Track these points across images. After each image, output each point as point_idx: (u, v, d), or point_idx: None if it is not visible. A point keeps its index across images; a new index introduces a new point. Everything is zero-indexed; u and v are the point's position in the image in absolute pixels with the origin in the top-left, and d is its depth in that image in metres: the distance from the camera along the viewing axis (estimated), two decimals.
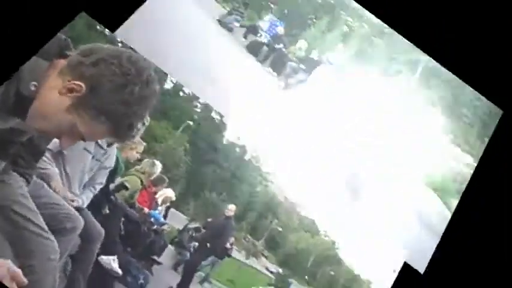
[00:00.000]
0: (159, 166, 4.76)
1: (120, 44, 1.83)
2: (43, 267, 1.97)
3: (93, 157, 2.82)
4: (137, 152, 3.80)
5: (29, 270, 1.93)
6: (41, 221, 2.10)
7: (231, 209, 7.33)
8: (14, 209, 2.06)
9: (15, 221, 2.04)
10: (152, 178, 4.73)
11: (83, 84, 1.05)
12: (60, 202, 2.57)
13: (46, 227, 2.10)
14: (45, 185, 2.51)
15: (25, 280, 1.15)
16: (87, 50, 1.09)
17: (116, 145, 3.04)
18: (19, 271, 1.17)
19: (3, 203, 1.98)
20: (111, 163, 3.02)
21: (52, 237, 2.09)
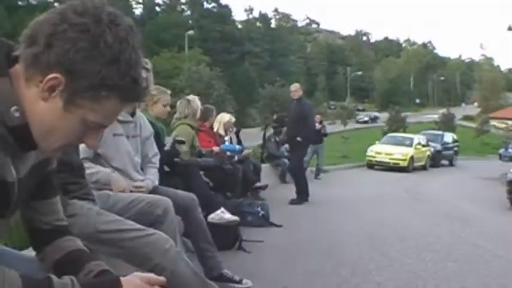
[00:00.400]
0: (196, 100, 4.60)
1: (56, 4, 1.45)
2: (168, 259, 1.92)
3: (127, 137, 2.67)
4: (164, 105, 3.65)
5: (159, 269, 1.91)
6: (131, 224, 2.06)
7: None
8: (101, 230, 2.02)
9: (111, 239, 1.99)
10: (198, 115, 4.63)
11: (56, 75, 0.88)
12: (133, 197, 2.50)
13: (140, 226, 2.08)
14: (110, 192, 2.44)
15: (162, 278, 1.05)
16: (29, 37, 0.89)
17: (139, 110, 2.86)
18: (151, 275, 1.06)
19: (88, 231, 1.92)
20: (148, 130, 2.88)
21: (152, 230, 2.07)
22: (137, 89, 0.91)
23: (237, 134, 6.61)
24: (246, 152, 6.35)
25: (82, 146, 2.36)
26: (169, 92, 3.59)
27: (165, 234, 2.05)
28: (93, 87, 0.87)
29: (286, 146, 8.46)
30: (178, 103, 4.58)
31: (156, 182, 2.80)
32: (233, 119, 6.33)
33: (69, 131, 0.91)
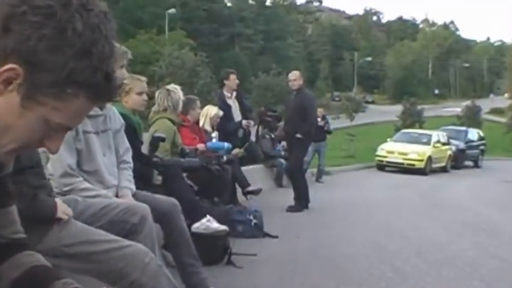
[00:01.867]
0: (177, 90, 4.61)
1: None
2: (148, 275, 1.94)
3: (97, 133, 2.68)
4: (138, 93, 3.66)
5: (137, 287, 1.92)
6: (103, 234, 2.08)
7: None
8: (66, 243, 2.03)
9: (79, 253, 2.00)
10: (180, 108, 4.64)
11: (14, 65, 0.84)
12: (106, 202, 2.52)
13: (115, 237, 2.10)
14: (78, 197, 2.45)
15: None
16: None
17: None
18: None
19: (51, 244, 1.94)
20: (118, 122, 2.88)
21: (128, 242, 2.09)
22: (110, 87, 0.89)
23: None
24: (236, 151, 6.37)
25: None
26: (143, 79, 3.59)
27: (143, 246, 2.07)
28: (58, 83, 0.84)
29: (284, 143, 8.50)
30: (157, 94, 4.59)
31: (134, 187, 2.81)
32: (221, 113, 6.35)
33: (27, 131, 0.88)
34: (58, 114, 0.87)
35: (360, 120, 33.04)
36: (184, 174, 3.82)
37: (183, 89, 4.79)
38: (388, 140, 18.63)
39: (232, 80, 6.80)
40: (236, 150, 6.39)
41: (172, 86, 4.65)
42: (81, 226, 2.10)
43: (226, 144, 5.31)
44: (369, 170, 16.99)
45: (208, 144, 5.23)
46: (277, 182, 9.93)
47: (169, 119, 4.42)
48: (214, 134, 6.01)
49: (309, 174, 11.15)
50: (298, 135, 7.04)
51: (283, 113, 9.31)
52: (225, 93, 6.84)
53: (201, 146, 5.15)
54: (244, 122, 7.01)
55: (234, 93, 6.92)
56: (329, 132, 11.85)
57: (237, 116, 6.90)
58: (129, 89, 3.41)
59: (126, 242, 2.08)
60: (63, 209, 2.05)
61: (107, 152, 2.68)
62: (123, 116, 3.18)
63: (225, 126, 6.59)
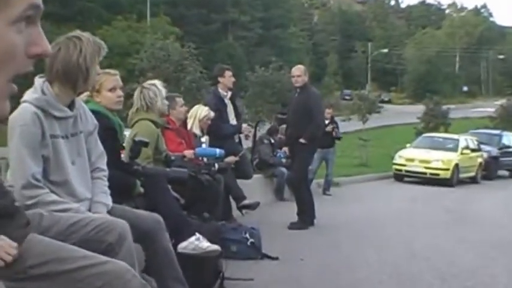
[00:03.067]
0: (155, 86, 4.62)
1: None
2: None
3: (66, 137, 2.69)
4: (109, 89, 3.67)
5: None
6: (75, 250, 2.12)
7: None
8: (31, 264, 2.04)
9: (46, 274, 2.02)
10: (159, 107, 4.64)
11: None
12: (76, 218, 2.53)
13: (89, 253, 2.16)
14: (43, 212, 2.47)
15: None
16: None
17: (80, 100, 2.88)
18: None
19: (13, 269, 1.95)
20: (90, 123, 2.89)
21: (105, 258, 2.14)
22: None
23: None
24: (230, 158, 6.40)
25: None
26: (114, 72, 3.61)
27: (123, 263, 2.10)
28: None
29: (285, 149, 8.52)
30: (137, 89, 4.62)
31: (109, 201, 2.82)
32: (212, 114, 6.37)
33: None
34: None
35: (374, 123, 33.01)
36: (170, 186, 3.84)
37: (167, 86, 4.81)
38: (408, 145, 18.67)
39: (228, 78, 6.84)
40: (230, 158, 6.41)
41: (148, 82, 4.67)
42: (48, 242, 2.12)
43: (218, 151, 5.31)
44: (385, 180, 17.02)
45: (197, 150, 5.24)
46: (278, 195, 9.95)
47: (151, 121, 4.44)
48: (204, 139, 6.02)
49: (314, 186, 11.16)
50: (302, 140, 7.06)
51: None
52: (220, 91, 6.88)
53: (188, 153, 5.17)
54: (244, 126, 7.06)
55: (229, 93, 6.96)
56: (339, 138, 11.85)
57: (232, 119, 6.94)
58: (99, 85, 3.42)
59: (104, 258, 2.11)
60: (5, 249, 2.00)
61: (76, 159, 2.68)
62: (99, 114, 3.20)
63: (219, 129, 6.63)
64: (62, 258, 2.04)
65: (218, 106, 6.74)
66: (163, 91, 4.57)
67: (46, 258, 2.03)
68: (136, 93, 4.52)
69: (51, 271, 2.01)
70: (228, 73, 6.88)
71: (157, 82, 4.65)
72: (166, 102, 4.62)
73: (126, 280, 1.98)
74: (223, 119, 6.78)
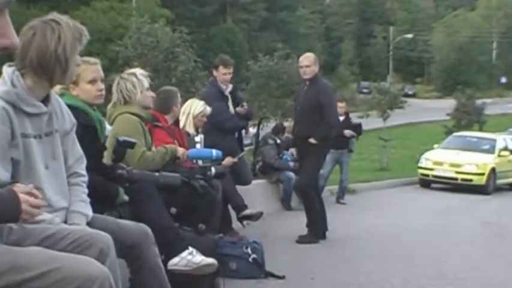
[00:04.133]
0: (138, 76, 4.62)
1: None
2: None
3: (39, 136, 2.69)
4: (89, 81, 3.68)
5: None
6: (35, 255, 2.15)
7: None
8: None
9: (5, 286, 2.04)
10: (135, 100, 4.64)
11: None
12: (51, 231, 2.53)
13: (52, 254, 2.19)
14: (13, 225, 2.47)
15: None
16: None
17: (53, 92, 2.87)
18: None
19: None
20: (68, 121, 2.88)
21: (73, 258, 2.17)
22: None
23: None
24: (227, 160, 6.41)
25: None
26: (94, 61, 3.62)
27: (95, 262, 2.13)
28: None
29: (292, 151, 8.52)
30: (117, 80, 4.63)
31: (89, 211, 2.83)
32: (209, 109, 6.38)
33: None
34: None
35: (396, 120, 32.87)
36: (160, 193, 3.85)
37: (157, 77, 4.82)
38: (436, 146, 18.65)
39: (220, 74, 6.91)
40: (227, 160, 6.42)
41: (127, 72, 4.67)
42: (4, 249, 2.14)
43: (214, 152, 5.31)
44: (409, 187, 17.00)
45: (190, 152, 5.24)
46: (284, 203, 9.96)
47: (135, 114, 4.43)
48: (199, 138, 6.04)
49: (327, 193, 11.16)
50: (312, 140, 7.07)
51: (291, 110, 9.32)
52: (219, 83, 6.94)
53: (183, 151, 5.17)
54: (238, 108, 7.06)
55: (230, 86, 7.00)
56: (359, 132, 11.71)
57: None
58: (77, 76, 3.40)
59: (72, 257, 2.14)
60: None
61: (50, 163, 2.67)
62: (76, 110, 3.20)
63: (222, 124, 6.76)
64: (19, 266, 2.05)
65: (217, 98, 6.79)
66: (145, 81, 4.55)
67: (1, 268, 2.04)
68: (114, 85, 4.53)
69: (11, 282, 2.02)
70: (222, 70, 6.91)
71: (137, 71, 4.63)
72: (151, 94, 4.62)
73: (101, 284, 2.00)
74: (224, 112, 6.85)
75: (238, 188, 6.76)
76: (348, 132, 11.03)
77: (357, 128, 11.46)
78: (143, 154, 4.25)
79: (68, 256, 2.17)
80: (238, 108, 7.00)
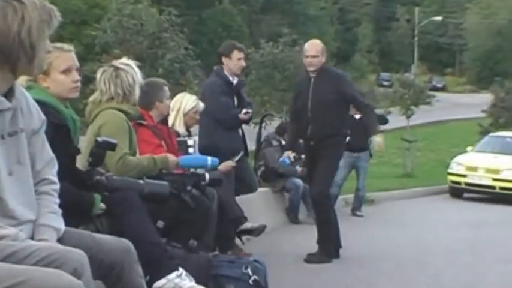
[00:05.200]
0: (131, 67, 4.63)
1: None
2: None
3: (1, 137, 2.67)
4: (63, 71, 3.67)
5: None
6: None
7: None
8: None
9: None
10: (134, 96, 4.65)
11: None
12: (15, 247, 2.52)
13: (16, 268, 2.23)
14: None
15: None
16: None
17: (19, 85, 2.85)
18: None
19: None
20: (36, 119, 2.87)
21: (39, 270, 2.19)
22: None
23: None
24: (225, 165, 6.40)
25: None
26: (70, 48, 3.62)
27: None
28: None
29: (288, 154, 8.46)
30: (98, 75, 4.63)
31: (61, 225, 2.84)
32: (201, 105, 6.39)
33: None
34: None
35: (422, 118, 32.86)
36: (145, 205, 3.85)
37: (142, 66, 4.83)
38: (469, 149, 18.62)
39: (235, 61, 6.94)
40: (226, 164, 6.42)
41: (122, 62, 4.68)
42: None
43: (210, 160, 5.28)
44: (437, 197, 16.98)
45: (182, 159, 5.20)
46: (291, 216, 9.95)
47: (121, 110, 4.44)
48: (192, 141, 6.03)
49: (340, 204, 11.14)
50: (377, 137, 7.11)
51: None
52: (226, 73, 6.96)
53: (173, 159, 5.16)
54: (246, 110, 7.08)
55: (236, 80, 7.03)
56: (387, 121, 11.61)
57: None
58: (48, 66, 3.41)
59: (37, 270, 2.15)
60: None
61: (15, 168, 2.66)
62: (46, 106, 3.20)
63: (226, 119, 6.89)
64: None
65: (226, 90, 6.84)
66: (140, 74, 4.59)
67: None
68: (104, 77, 4.52)
69: None
70: (237, 54, 6.93)
71: (131, 62, 4.66)
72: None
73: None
74: (228, 107, 6.91)
75: (236, 197, 6.76)
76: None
77: (381, 120, 11.48)
78: (123, 157, 4.22)
79: (35, 269, 2.18)
80: (241, 115, 6.99)
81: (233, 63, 6.92)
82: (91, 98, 4.58)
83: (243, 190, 7.02)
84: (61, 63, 3.50)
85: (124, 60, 4.75)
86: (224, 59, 6.97)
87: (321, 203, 7.28)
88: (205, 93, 7.04)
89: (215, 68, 7.27)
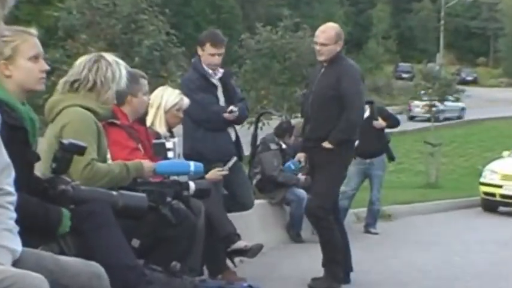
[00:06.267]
0: (119, 62, 4.64)
1: None
2: None
3: None
4: (28, 58, 3.65)
5: None
6: None
7: None
8: None
9: None
10: (103, 87, 4.65)
11: None
12: None
13: None
14: None
15: None
16: None
17: None
18: None
19: None
20: None
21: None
22: None
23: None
24: (214, 173, 6.41)
25: None
26: (34, 33, 3.64)
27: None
28: None
29: (300, 156, 8.46)
30: (79, 60, 4.64)
31: (18, 246, 2.84)
32: (186, 101, 6.39)
33: None
34: None
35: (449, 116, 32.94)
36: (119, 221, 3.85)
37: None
38: (505, 154, 18.63)
39: (206, 55, 6.91)
40: (214, 172, 6.43)
41: (114, 57, 4.68)
42: None
43: (193, 165, 5.26)
44: (467, 211, 16.99)
45: (159, 165, 5.17)
46: (292, 233, 9.96)
47: (88, 108, 4.43)
48: (172, 143, 6.03)
49: (351, 219, 11.15)
50: (327, 145, 7.08)
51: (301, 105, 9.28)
52: (204, 66, 6.94)
53: (149, 165, 5.16)
54: (233, 108, 7.03)
55: (220, 72, 7.02)
56: (393, 124, 11.70)
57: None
58: (13, 50, 3.44)
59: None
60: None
61: None
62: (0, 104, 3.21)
63: (204, 119, 6.85)
64: None
65: (202, 85, 6.83)
66: (124, 79, 4.62)
67: None
68: (83, 60, 4.55)
69: None
70: (210, 49, 6.91)
71: (123, 62, 4.72)
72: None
73: None
74: (211, 104, 6.88)
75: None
76: (378, 124, 11.03)
77: (391, 120, 11.50)
78: (91, 163, 4.21)
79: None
80: (226, 114, 6.95)
81: (204, 58, 6.94)
82: (54, 97, 4.55)
83: (234, 207, 7.00)
84: (29, 49, 3.52)
85: (117, 58, 4.77)
86: (199, 50, 6.99)
87: (321, 218, 7.24)
88: (182, 91, 7.02)
89: (193, 60, 7.30)
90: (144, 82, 5.59)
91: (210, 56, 6.90)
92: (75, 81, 4.47)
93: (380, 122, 11.16)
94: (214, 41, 6.97)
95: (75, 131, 4.19)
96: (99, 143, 4.45)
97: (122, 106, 5.36)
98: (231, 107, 6.96)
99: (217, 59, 6.95)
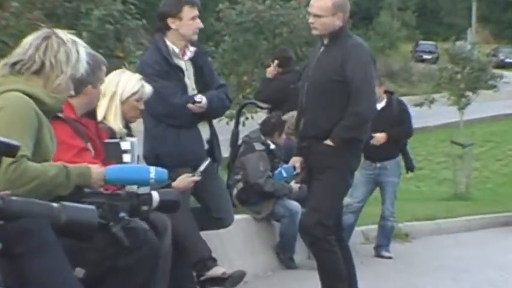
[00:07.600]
0: (78, 41, 4.66)
1: None
2: None
3: None
4: None
5: None
6: None
7: None
8: None
9: None
10: (52, 71, 4.67)
11: None
12: None
13: None
14: None
15: None
16: None
17: None
18: None
19: None
20: None
21: None
22: None
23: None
24: (182, 180, 6.42)
25: None
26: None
27: None
28: None
29: (296, 161, 8.48)
30: (30, 36, 4.66)
31: None
32: (148, 89, 6.40)
33: None
34: None
35: (483, 110, 33.04)
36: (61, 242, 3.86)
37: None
38: None
39: (187, 21, 6.87)
40: (183, 179, 6.44)
41: (72, 36, 4.71)
42: None
43: (153, 172, 5.22)
44: (504, 229, 17.11)
45: (110, 170, 5.15)
46: (284, 256, 10.00)
47: (30, 96, 4.44)
48: (128, 144, 5.99)
49: (358, 238, 11.21)
50: (329, 142, 7.13)
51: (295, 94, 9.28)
52: (169, 44, 6.91)
53: (98, 171, 5.16)
54: (198, 97, 6.97)
55: (191, 51, 7.00)
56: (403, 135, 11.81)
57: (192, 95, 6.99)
58: None
59: None
60: None
61: None
62: None
63: (164, 113, 6.88)
64: None
65: (162, 70, 6.79)
66: (83, 63, 4.64)
67: None
68: (31, 37, 4.57)
69: None
70: (190, 11, 6.88)
71: (82, 43, 4.75)
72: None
73: None
74: (173, 94, 6.83)
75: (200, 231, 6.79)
76: (376, 140, 10.87)
77: (403, 127, 11.55)
78: (19, 160, 4.17)
79: None
80: (190, 105, 6.86)
81: (185, 26, 6.87)
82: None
83: (209, 224, 7.01)
84: None
85: (76, 37, 4.79)
86: (172, 22, 6.90)
87: (319, 238, 7.23)
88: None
89: (155, 36, 7.26)
90: (104, 70, 5.59)
91: (192, 21, 6.86)
92: (17, 62, 4.48)
93: (378, 138, 10.97)
94: (190, 1, 6.91)
95: (6, 121, 4.19)
96: (40, 139, 4.43)
97: (75, 97, 5.33)
98: (197, 96, 6.88)
99: (199, 24, 6.94)
